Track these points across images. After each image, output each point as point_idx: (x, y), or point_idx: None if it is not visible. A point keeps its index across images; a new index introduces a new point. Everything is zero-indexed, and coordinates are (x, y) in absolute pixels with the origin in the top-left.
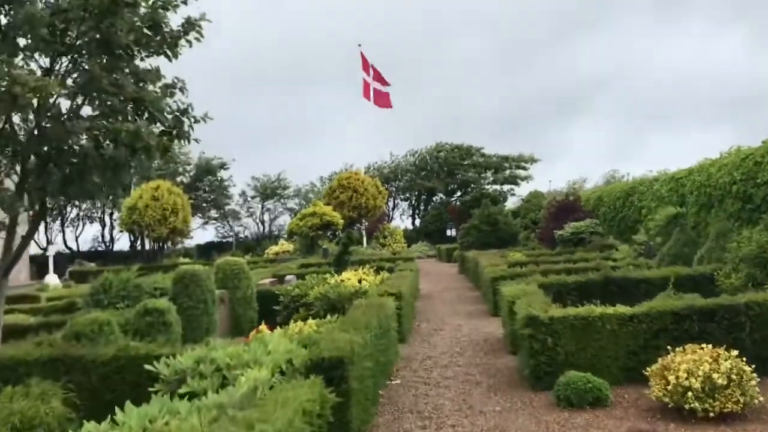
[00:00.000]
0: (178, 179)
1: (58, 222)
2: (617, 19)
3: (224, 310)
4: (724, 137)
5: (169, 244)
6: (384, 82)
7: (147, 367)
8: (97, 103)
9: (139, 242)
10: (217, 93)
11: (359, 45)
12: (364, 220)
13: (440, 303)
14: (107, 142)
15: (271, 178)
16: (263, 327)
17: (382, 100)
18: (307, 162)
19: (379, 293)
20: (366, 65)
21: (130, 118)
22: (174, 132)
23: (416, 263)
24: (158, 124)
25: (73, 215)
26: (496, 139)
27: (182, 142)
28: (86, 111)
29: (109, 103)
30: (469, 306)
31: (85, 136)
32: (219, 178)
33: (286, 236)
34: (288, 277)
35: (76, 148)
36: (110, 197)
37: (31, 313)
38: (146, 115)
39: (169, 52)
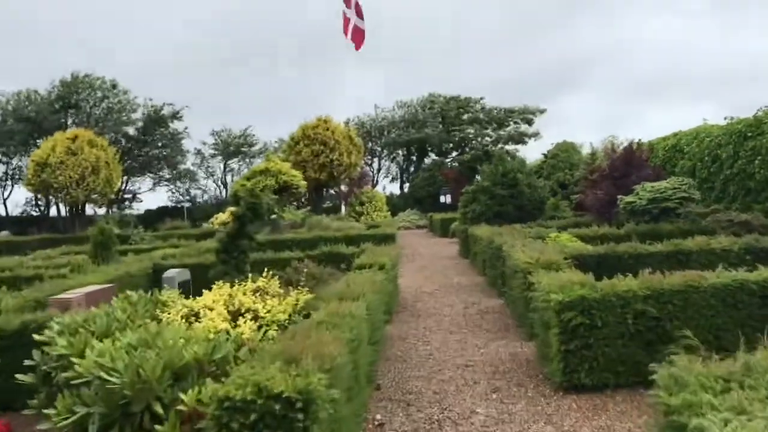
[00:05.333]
0: (123, 130)
1: None
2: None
3: None
4: (709, 110)
5: (114, 209)
6: (360, 15)
7: None
8: None
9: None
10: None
11: None
12: (342, 184)
13: (436, 329)
14: None
15: (234, 133)
16: None
17: (357, 38)
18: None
19: (241, 392)
20: None
21: None
22: None
23: (399, 245)
24: None
25: None
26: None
27: None
28: None
29: None
30: (496, 340)
31: None
32: (172, 131)
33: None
34: (169, 274)
35: None
36: None
37: None
38: None
39: None
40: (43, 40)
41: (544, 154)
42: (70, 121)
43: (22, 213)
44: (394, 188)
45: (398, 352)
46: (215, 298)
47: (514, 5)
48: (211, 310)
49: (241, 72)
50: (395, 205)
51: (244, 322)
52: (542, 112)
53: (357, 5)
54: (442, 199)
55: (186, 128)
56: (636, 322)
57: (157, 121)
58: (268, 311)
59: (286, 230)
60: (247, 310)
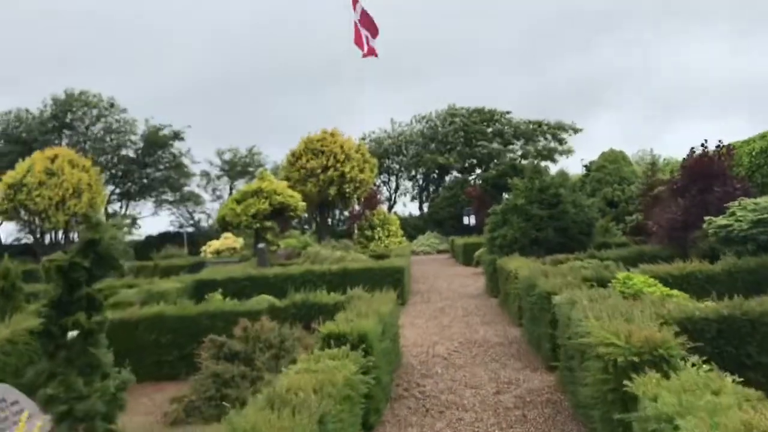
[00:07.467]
0: (122, 152)
1: None
2: (635, 22)
3: None
4: (735, 125)
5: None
6: (374, 31)
7: None
8: None
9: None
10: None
11: None
12: (355, 203)
13: None
14: None
15: (241, 152)
16: None
17: (369, 48)
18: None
19: None
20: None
21: None
22: None
23: (410, 275)
24: None
25: None
26: None
27: None
28: None
29: None
30: None
31: None
32: (174, 152)
33: (220, 228)
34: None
35: None
36: None
37: None
38: None
39: None
40: (45, 61)
41: (585, 167)
42: (64, 142)
43: (15, 240)
44: (413, 208)
45: None
46: None
47: (533, 27)
48: None
49: (251, 94)
50: (414, 226)
51: None
52: (577, 131)
53: (363, 13)
54: (465, 220)
55: (189, 149)
56: None
57: (157, 141)
58: None
59: (279, 260)
60: None
